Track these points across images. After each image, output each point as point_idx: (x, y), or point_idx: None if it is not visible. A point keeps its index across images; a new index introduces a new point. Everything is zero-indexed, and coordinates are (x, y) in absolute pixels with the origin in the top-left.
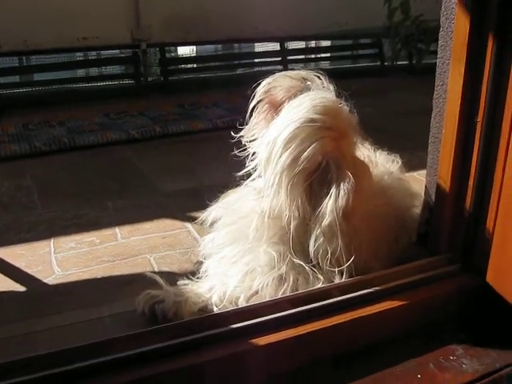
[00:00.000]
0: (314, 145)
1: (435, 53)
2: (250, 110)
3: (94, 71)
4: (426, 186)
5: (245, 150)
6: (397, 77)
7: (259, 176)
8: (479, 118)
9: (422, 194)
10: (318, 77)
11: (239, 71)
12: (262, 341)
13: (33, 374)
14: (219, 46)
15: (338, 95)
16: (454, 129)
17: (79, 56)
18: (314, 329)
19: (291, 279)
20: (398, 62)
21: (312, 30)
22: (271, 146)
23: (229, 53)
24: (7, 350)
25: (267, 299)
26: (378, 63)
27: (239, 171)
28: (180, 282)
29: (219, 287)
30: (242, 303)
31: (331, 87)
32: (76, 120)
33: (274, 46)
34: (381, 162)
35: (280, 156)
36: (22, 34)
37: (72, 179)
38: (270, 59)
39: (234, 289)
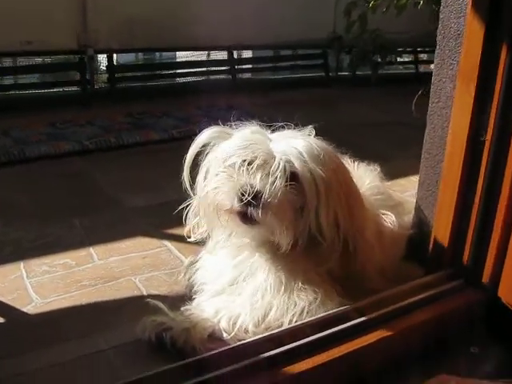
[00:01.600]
0: None
1: (390, 63)
2: None
3: (35, 77)
4: (416, 201)
5: None
6: (341, 87)
7: None
8: (488, 137)
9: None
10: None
11: (186, 80)
12: (294, 369)
13: None
14: (140, 54)
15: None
16: (461, 148)
17: (21, 61)
18: (344, 351)
19: (302, 302)
20: (341, 73)
21: (260, 39)
22: None
23: (176, 61)
24: None
25: (282, 325)
26: (323, 74)
27: None
28: (183, 308)
29: (225, 311)
30: (250, 328)
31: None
32: (20, 130)
33: (223, 55)
34: (361, 174)
35: None
36: None
37: (27, 195)
38: (217, 68)
39: (241, 312)
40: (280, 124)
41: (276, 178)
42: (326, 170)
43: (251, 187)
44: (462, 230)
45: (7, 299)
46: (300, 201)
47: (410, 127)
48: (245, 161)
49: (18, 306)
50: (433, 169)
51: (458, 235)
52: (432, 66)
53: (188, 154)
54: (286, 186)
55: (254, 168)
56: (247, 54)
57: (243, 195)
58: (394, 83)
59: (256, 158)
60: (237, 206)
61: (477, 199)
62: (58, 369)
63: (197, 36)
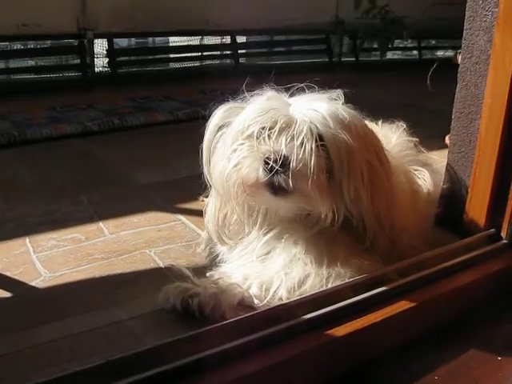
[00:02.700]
0: None
1: (395, 49)
2: None
3: (34, 62)
4: (447, 164)
5: None
6: (345, 73)
7: None
8: None
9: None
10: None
11: (188, 64)
12: (341, 331)
13: None
14: (133, 39)
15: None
16: (503, 98)
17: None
18: (388, 314)
19: (349, 271)
20: (344, 59)
21: (262, 24)
22: None
23: (178, 45)
24: (18, 364)
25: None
26: (326, 59)
27: None
28: (208, 274)
29: (255, 278)
30: (284, 294)
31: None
32: (19, 114)
33: (218, 40)
34: (386, 132)
35: None
36: None
37: (30, 174)
38: (218, 53)
39: (273, 278)
40: (300, 86)
41: (303, 140)
42: (351, 137)
43: (276, 153)
44: (504, 189)
45: (13, 274)
46: (330, 165)
47: (420, 109)
48: (264, 128)
49: (25, 281)
50: (465, 128)
51: (500, 194)
52: (439, 53)
53: (204, 141)
54: (317, 146)
55: (275, 133)
56: (241, 39)
57: (267, 164)
58: (397, 69)
59: (276, 122)
60: (262, 177)
61: None
62: (74, 339)
63: (199, 20)
